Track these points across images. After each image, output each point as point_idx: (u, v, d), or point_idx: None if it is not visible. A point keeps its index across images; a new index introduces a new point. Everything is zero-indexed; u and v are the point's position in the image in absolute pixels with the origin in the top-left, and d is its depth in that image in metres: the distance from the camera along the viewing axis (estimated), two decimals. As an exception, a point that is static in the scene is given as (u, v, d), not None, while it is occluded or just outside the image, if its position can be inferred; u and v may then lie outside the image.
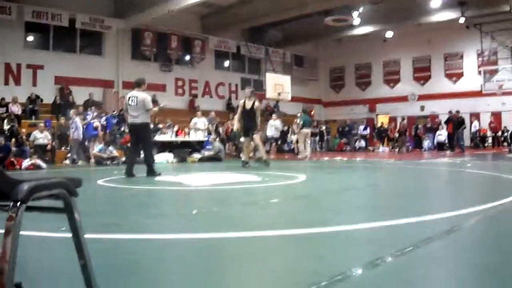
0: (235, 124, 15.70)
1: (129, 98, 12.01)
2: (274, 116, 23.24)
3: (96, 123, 21.54)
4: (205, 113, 25.85)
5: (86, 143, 20.46)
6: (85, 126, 21.10)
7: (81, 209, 2.23)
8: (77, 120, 19.71)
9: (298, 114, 23.47)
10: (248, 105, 14.71)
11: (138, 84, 12.21)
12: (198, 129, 23.64)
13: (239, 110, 15.25)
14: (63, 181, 2.16)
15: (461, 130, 26.50)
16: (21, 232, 1.89)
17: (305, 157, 21.31)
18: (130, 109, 11.95)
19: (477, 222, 4.89)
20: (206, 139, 22.93)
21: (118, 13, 27.08)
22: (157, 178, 11.29)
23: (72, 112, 20.11)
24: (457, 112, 27.38)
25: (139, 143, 12.46)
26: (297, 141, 23.70)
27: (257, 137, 14.96)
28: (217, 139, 22.51)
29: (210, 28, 31.34)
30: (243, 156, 15.40)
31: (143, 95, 11.98)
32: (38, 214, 2.18)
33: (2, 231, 1.85)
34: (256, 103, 14.89)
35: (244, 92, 15.81)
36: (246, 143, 15.26)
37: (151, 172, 11.78)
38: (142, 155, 12.86)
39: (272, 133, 23.07)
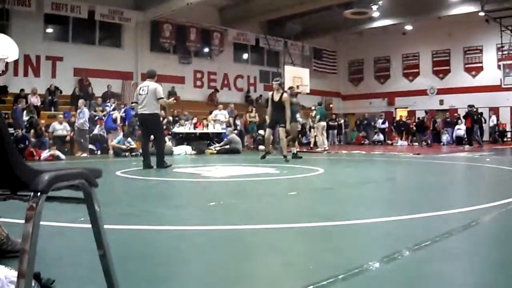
0: (267, 117, 15.32)
1: (140, 88, 12.00)
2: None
3: (115, 114, 21.65)
4: (224, 106, 25.96)
5: (105, 134, 20.55)
6: (104, 118, 21.23)
7: (100, 199, 2.25)
8: (85, 110, 19.84)
9: (313, 107, 23.44)
10: (276, 97, 14.50)
11: (150, 75, 12.10)
12: (219, 121, 23.76)
13: (269, 103, 15.06)
14: (83, 172, 2.18)
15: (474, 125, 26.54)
16: (41, 222, 1.91)
17: (323, 150, 21.31)
18: (140, 99, 11.79)
19: (495, 217, 4.88)
20: (224, 131, 22.99)
21: (137, 5, 27.15)
22: (175, 170, 11.31)
23: (80, 102, 20.12)
24: (470, 106, 27.27)
25: (150, 134, 12.41)
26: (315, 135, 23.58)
27: (282, 130, 14.57)
28: (234, 131, 22.53)
29: (229, 21, 31.31)
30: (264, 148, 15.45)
31: (155, 85, 11.84)
32: (57, 204, 2.20)
33: (23, 221, 1.87)
34: (284, 95, 14.59)
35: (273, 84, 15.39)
36: (268, 134, 15.15)
37: (161, 163, 11.70)
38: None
39: None
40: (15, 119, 19.29)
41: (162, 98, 11.96)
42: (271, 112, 14.75)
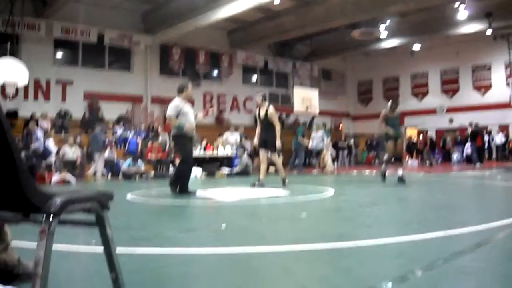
0: (255, 139, 13.33)
1: None
2: (314, 126, 23.11)
3: (138, 139, 21.96)
4: (235, 128, 26.08)
5: (115, 158, 20.59)
6: (114, 142, 21.36)
7: (111, 223, 2.25)
8: (39, 132, 19.07)
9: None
10: (262, 113, 12.81)
11: (178, 90, 10.90)
12: (229, 143, 23.79)
13: (257, 122, 13.28)
14: (95, 195, 2.19)
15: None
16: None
17: (333, 170, 21.37)
18: None
19: (508, 235, 4.84)
20: (235, 154, 22.96)
21: (146, 29, 27.32)
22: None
23: (31, 124, 19.72)
24: (471, 124, 27.36)
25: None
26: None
27: (273, 155, 12.86)
28: (245, 153, 22.51)
29: (238, 43, 31.46)
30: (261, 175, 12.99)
31: (172, 102, 10.74)
32: (67, 227, 2.20)
33: (34, 244, 1.87)
34: (270, 110, 12.75)
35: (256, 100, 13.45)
36: (262, 155, 13.04)
37: (180, 188, 10.46)
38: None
39: (315, 145, 22.97)
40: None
41: (169, 116, 10.70)
42: (260, 132, 13.02)
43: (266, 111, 12.72)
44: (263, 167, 13.05)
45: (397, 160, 13.68)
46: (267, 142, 12.74)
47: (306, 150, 25.41)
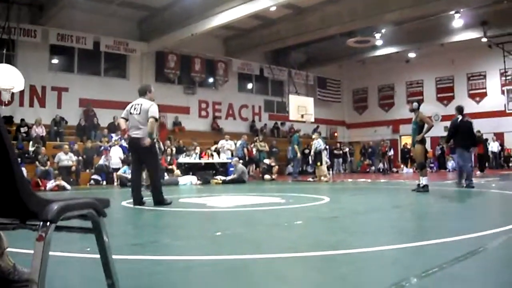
0: None
1: (132, 106, 10.22)
2: (315, 135, 22.94)
3: None
4: (232, 136, 25.99)
5: (110, 165, 20.57)
6: (109, 149, 21.32)
7: (107, 229, 2.25)
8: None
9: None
10: None
11: (143, 92, 10.47)
12: (223, 148, 23.82)
13: None
14: (92, 202, 2.19)
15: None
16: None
17: (328, 178, 21.33)
18: (131, 120, 10.03)
19: (502, 242, 4.85)
20: (230, 161, 22.97)
21: (142, 36, 27.32)
22: (181, 200, 11.15)
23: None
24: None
25: (142, 163, 10.32)
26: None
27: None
28: (240, 161, 22.48)
29: (233, 51, 31.50)
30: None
31: (149, 103, 10.04)
32: (62, 234, 2.20)
33: (29, 250, 1.87)
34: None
35: None
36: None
37: (159, 200, 9.76)
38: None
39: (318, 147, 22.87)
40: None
41: (153, 117, 9.82)
42: None
43: None
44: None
45: (417, 168, 12.91)
46: None
47: (303, 157, 25.46)
